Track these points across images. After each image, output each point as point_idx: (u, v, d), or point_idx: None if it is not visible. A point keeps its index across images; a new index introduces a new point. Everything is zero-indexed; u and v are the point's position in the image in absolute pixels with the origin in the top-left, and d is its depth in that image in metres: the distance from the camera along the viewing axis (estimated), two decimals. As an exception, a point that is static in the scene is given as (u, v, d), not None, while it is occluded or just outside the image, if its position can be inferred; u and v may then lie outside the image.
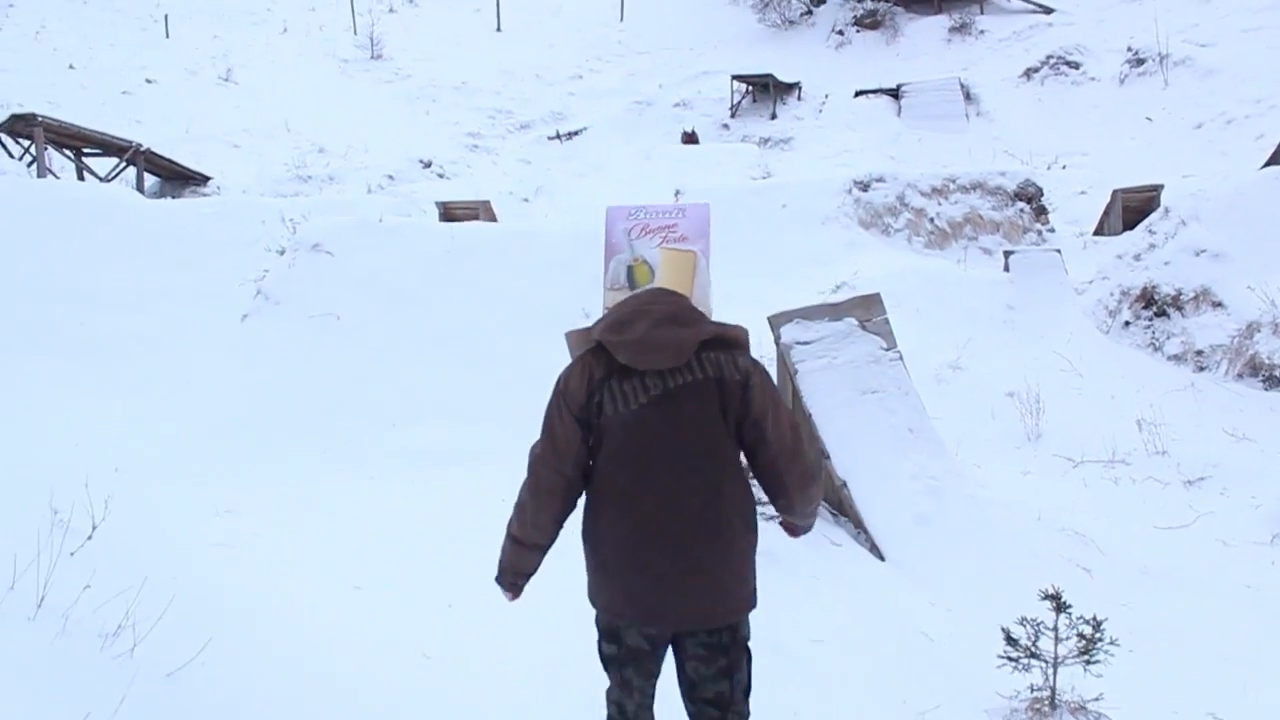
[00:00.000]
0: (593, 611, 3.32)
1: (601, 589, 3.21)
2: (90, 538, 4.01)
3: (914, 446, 7.67)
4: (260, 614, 4.40)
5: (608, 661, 3.32)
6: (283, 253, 8.60)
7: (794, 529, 3.57)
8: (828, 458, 7.52)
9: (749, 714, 3.26)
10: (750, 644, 3.26)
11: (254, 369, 7.55)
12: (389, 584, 5.05)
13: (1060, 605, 4.44)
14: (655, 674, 3.29)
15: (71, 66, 30.91)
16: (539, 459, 3.19)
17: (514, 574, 3.33)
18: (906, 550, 7.12)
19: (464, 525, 5.73)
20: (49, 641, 3.35)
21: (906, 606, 6.48)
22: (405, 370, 7.11)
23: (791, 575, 5.80)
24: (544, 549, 3.30)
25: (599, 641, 3.34)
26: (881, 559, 7.13)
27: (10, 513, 4.11)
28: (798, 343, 7.75)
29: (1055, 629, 4.56)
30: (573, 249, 7.86)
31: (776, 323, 7.86)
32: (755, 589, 3.28)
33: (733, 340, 3.22)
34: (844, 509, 7.51)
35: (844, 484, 7.42)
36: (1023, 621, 4.69)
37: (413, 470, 6.55)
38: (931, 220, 18.04)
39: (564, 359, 3.33)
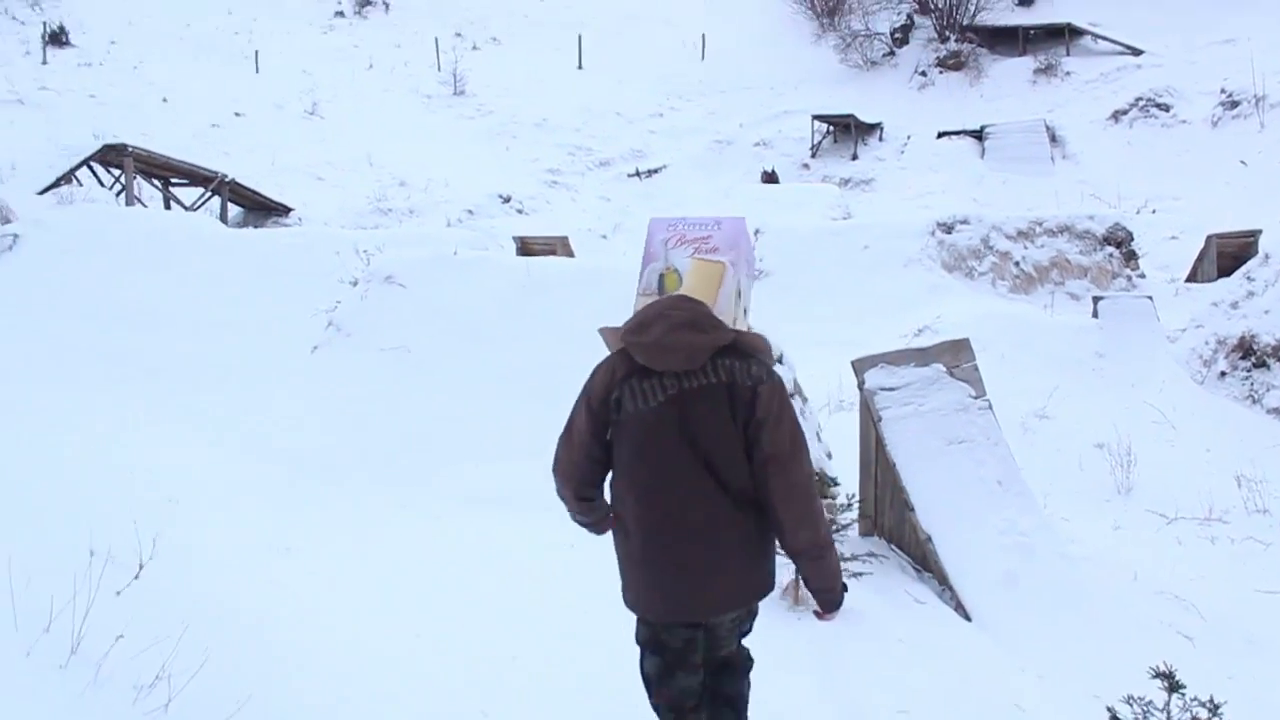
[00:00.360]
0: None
1: (631, 581, 3.40)
2: (137, 577, 3.84)
3: (1003, 500, 7.30)
4: (307, 667, 4.20)
5: (657, 679, 3.42)
6: (355, 284, 8.53)
7: (821, 603, 3.55)
8: (912, 510, 7.19)
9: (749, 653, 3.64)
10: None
11: (322, 401, 7.44)
12: (450, 634, 4.84)
13: (1174, 685, 4.07)
14: (700, 667, 3.44)
15: (165, 100, 31.72)
16: (558, 443, 3.48)
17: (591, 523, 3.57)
18: (995, 610, 6.74)
19: (531, 573, 5.52)
20: (79, 693, 3.17)
21: (995, 672, 6.10)
22: (475, 406, 6.95)
23: (874, 636, 5.49)
24: (592, 500, 3.51)
25: (642, 661, 3.47)
26: (968, 619, 6.76)
27: (55, 548, 3.97)
28: (882, 389, 7.45)
29: (1167, 710, 4.19)
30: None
31: (861, 368, 7.57)
32: (772, 571, 3.48)
33: (750, 348, 3.35)
34: (929, 564, 7.16)
35: (929, 538, 7.07)
36: (1129, 700, 4.31)
37: (480, 512, 6.36)
38: (1017, 264, 17.60)
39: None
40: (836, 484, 7.84)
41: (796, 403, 8.33)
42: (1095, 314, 14.21)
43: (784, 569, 3.78)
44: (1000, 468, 7.42)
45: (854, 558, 5.23)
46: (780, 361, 8.53)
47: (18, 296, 10.04)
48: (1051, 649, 6.46)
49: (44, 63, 33.51)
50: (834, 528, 5.37)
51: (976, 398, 7.65)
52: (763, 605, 3.63)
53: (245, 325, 8.60)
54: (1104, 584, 7.32)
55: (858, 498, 6.83)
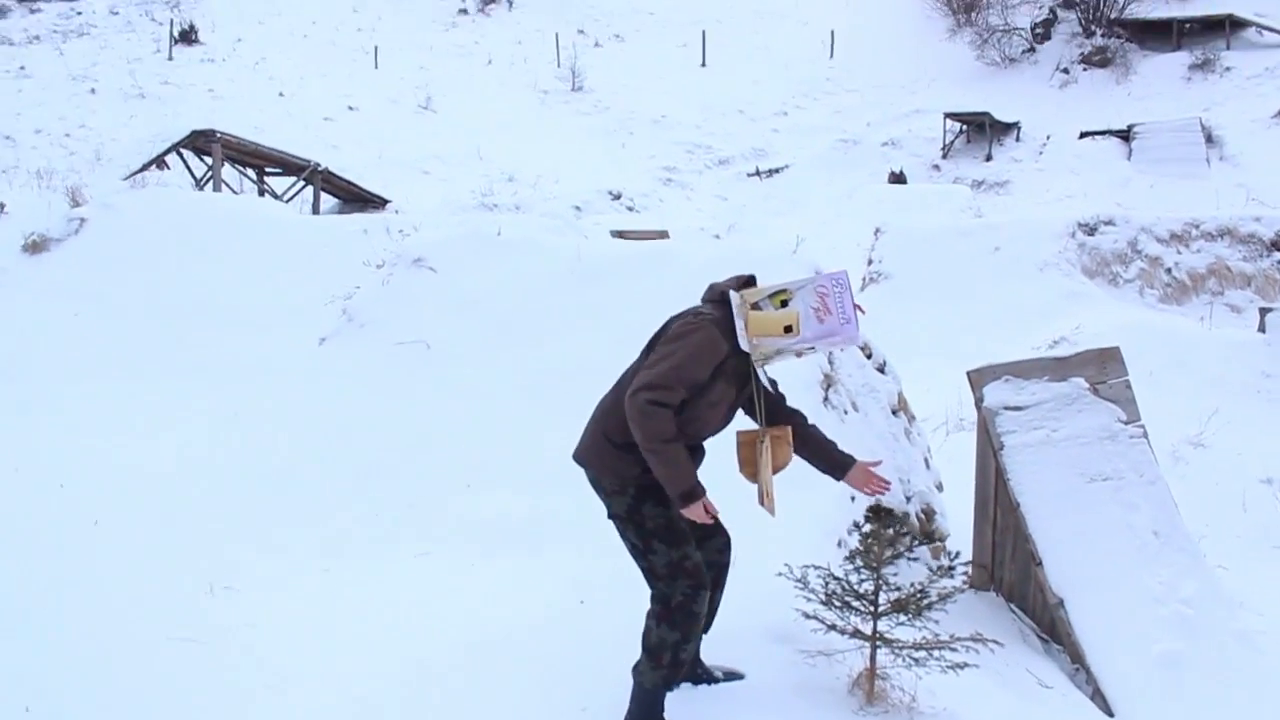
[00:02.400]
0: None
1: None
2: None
3: (1160, 556, 5.72)
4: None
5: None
6: (381, 266, 7.40)
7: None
8: (1039, 565, 5.65)
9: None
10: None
11: (319, 405, 6.30)
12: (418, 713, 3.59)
13: None
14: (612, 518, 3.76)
15: (281, 94, 31.59)
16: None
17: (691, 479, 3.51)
18: (1146, 704, 5.18)
19: (538, 634, 4.23)
20: None
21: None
22: (499, 416, 5.68)
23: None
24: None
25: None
26: (1109, 714, 5.21)
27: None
28: (1006, 408, 5.94)
29: None
30: (720, 274, 6.34)
31: (979, 381, 6.06)
32: (620, 465, 3.62)
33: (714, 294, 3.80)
34: (1058, 635, 5.62)
35: (1060, 603, 5.54)
36: None
37: (482, 548, 5.10)
38: (1169, 270, 15.90)
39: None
40: (935, 533, 6.36)
41: (901, 420, 6.84)
42: (1262, 328, 13.18)
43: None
44: (1157, 514, 5.84)
45: (950, 641, 3.78)
46: (882, 371, 7.07)
47: (78, 281, 9.17)
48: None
49: (170, 59, 33.78)
50: (929, 588, 3.92)
51: (1128, 423, 6.07)
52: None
53: (260, 315, 7.52)
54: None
55: (963, 554, 5.33)
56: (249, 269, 8.04)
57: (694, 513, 3.42)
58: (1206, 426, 10.58)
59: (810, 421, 3.97)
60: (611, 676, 3.69)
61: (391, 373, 6.44)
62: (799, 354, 3.65)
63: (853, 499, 5.37)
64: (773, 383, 3.89)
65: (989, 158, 27.91)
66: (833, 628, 3.94)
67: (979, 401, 6.05)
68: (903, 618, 3.91)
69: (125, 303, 8.55)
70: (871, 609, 3.91)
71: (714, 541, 3.82)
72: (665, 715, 3.65)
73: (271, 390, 6.49)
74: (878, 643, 3.88)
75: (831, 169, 28.56)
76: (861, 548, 3.92)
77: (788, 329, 3.48)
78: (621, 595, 3.99)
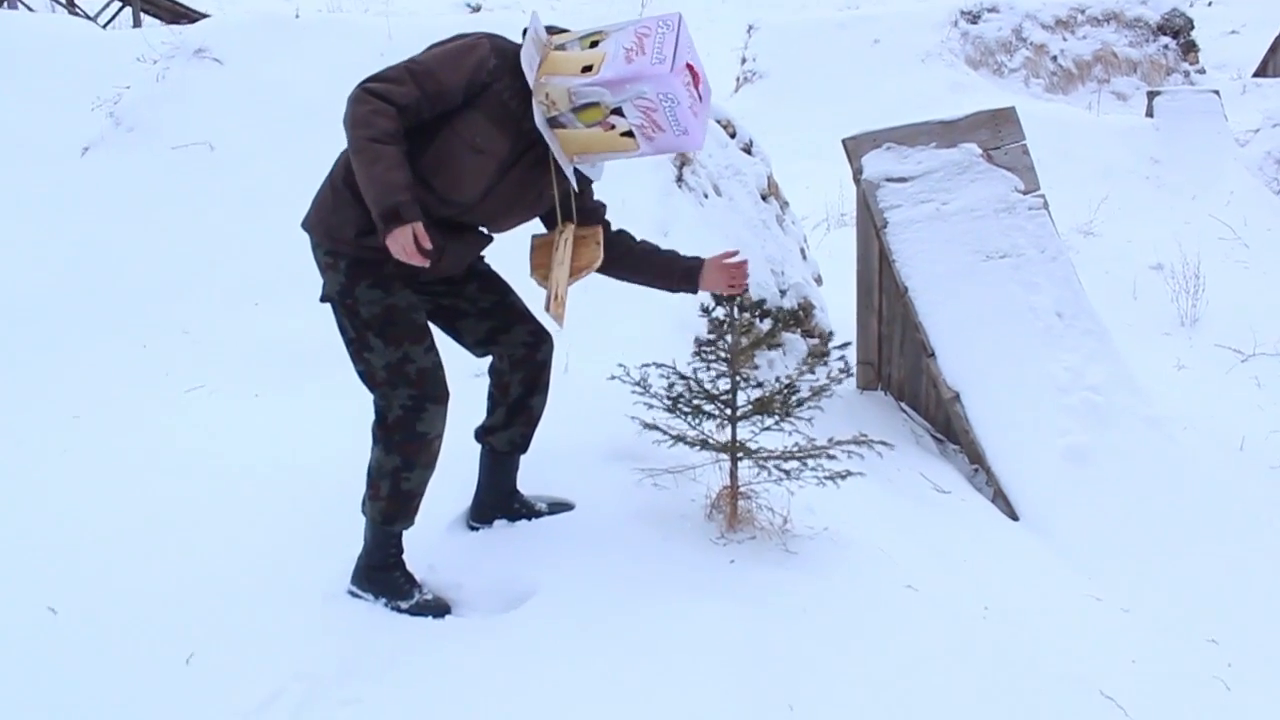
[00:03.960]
0: None
1: None
2: None
3: (1064, 339, 5.02)
4: None
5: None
6: (156, 62, 6.15)
7: None
8: (932, 356, 4.91)
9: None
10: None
11: (79, 225, 5.15)
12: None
13: None
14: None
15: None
16: None
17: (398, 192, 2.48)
18: (1053, 502, 4.55)
19: (315, 474, 3.34)
20: None
21: (1048, 594, 3.93)
22: (293, 222, 4.62)
23: (873, 554, 3.28)
24: None
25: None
26: (1014, 517, 4.57)
27: None
28: (889, 180, 5.09)
29: None
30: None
31: (857, 148, 5.18)
32: (333, 218, 2.72)
33: None
34: (955, 434, 4.93)
35: (956, 396, 4.82)
36: None
37: (266, 376, 4.14)
38: (1054, 59, 15.39)
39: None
40: (815, 330, 5.57)
41: (772, 206, 5.98)
42: (1150, 113, 12.63)
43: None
44: (1060, 293, 5.11)
45: (828, 446, 2.95)
46: (749, 152, 6.16)
47: None
48: (1140, 568, 4.30)
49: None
50: (798, 383, 3.08)
51: (1026, 192, 5.29)
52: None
53: (14, 132, 6.22)
54: (1204, 460, 5.10)
55: (850, 342, 4.53)
56: (10, 84, 6.67)
57: (396, 242, 2.44)
58: (1097, 214, 10.33)
59: (644, 240, 3.04)
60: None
61: (168, 181, 5.29)
62: (620, 146, 2.67)
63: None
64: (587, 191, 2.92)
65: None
66: (680, 439, 3.06)
67: (857, 174, 5.17)
68: (768, 421, 3.07)
69: None
70: (728, 412, 3.07)
71: (514, 333, 2.94)
72: (405, 556, 2.85)
73: (24, 214, 5.30)
74: (738, 454, 3.05)
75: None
76: (713, 336, 3.05)
77: (586, 69, 2.59)
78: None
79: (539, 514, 3.15)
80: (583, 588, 2.73)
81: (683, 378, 3.12)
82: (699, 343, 3.12)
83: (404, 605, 2.76)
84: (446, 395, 2.74)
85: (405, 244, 2.41)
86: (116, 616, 2.68)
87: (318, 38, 6.11)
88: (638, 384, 3.17)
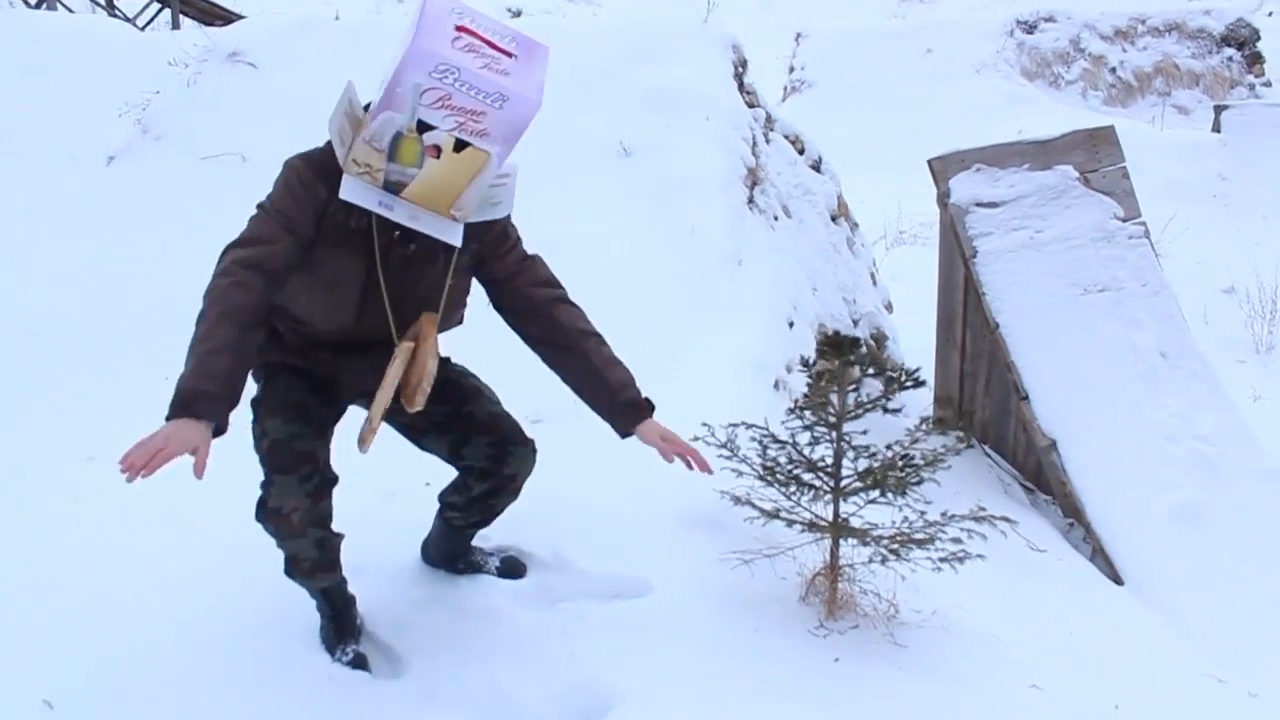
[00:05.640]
0: None
1: None
2: None
3: (1169, 382, 4.58)
4: None
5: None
6: (188, 66, 5.79)
7: None
8: (1025, 398, 4.48)
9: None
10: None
11: (98, 241, 4.81)
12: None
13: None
14: None
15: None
16: None
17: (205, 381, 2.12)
18: (1163, 569, 4.12)
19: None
20: None
21: (1172, 680, 3.51)
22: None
23: (986, 639, 2.87)
24: None
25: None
26: (1118, 580, 4.13)
27: None
28: (979, 204, 4.67)
29: None
30: (603, 51, 4.96)
31: (944, 170, 4.77)
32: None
33: None
34: (1049, 485, 4.49)
35: (1052, 445, 4.39)
36: None
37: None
38: (1113, 70, 15.04)
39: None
40: (887, 364, 5.15)
41: (842, 229, 5.58)
42: (1217, 128, 12.33)
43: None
44: (1164, 331, 4.69)
45: (947, 522, 2.49)
46: (818, 170, 5.75)
47: None
48: (1263, 639, 3.86)
49: None
50: (910, 450, 2.64)
51: (1126, 220, 4.86)
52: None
53: (41, 139, 5.89)
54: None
55: (928, 380, 4.11)
56: (40, 89, 6.34)
57: (170, 438, 1.97)
58: (1163, 235, 9.67)
59: (591, 330, 2.52)
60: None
61: (196, 194, 4.95)
62: (472, 164, 2.18)
63: (790, 324, 4.07)
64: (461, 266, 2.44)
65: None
66: (775, 515, 2.65)
67: (944, 197, 4.75)
68: (874, 494, 2.66)
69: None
70: (831, 484, 2.65)
71: (473, 446, 2.57)
72: (360, 619, 2.67)
73: (41, 227, 4.96)
74: (842, 533, 2.63)
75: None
76: (813, 394, 2.63)
77: (367, 107, 2.21)
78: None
79: (483, 570, 2.80)
80: (669, 696, 2.32)
81: (777, 441, 2.71)
82: (798, 401, 2.69)
83: (331, 658, 2.60)
84: (297, 465, 2.38)
85: (176, 445, 1.98)
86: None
87: (358, 42, 5.76)
88: (724, 445, 2.75)
